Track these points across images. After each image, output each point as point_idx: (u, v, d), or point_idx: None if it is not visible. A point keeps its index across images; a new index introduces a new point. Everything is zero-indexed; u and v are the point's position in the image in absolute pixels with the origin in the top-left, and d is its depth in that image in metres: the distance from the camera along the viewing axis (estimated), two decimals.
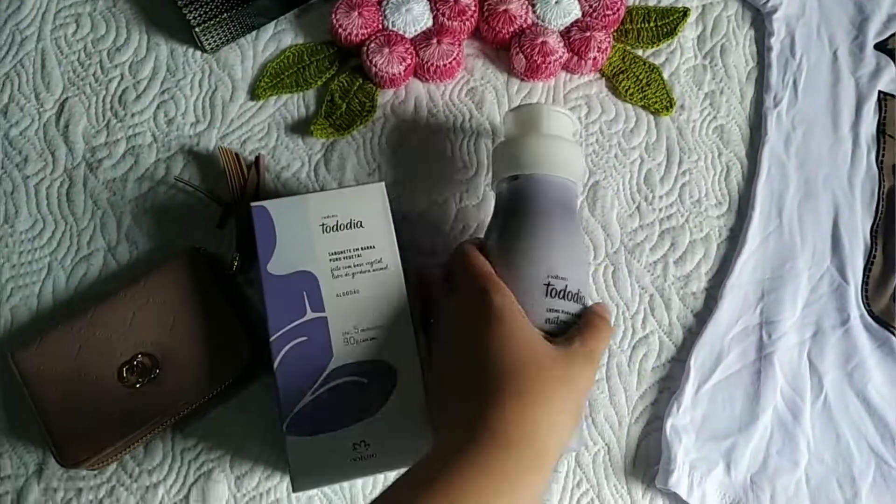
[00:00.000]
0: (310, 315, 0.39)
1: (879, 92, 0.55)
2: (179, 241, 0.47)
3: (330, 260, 0.40)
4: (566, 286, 0.39)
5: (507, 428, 0.32)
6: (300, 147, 0.50)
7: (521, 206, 0.41)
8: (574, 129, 0.45)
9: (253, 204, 0.41)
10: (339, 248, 0.40)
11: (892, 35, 0.56)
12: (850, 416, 0.47)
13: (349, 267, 0.40)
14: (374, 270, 0.40)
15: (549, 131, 0.43)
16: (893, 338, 0.48)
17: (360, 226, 0.41)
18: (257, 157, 0.48)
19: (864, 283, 0.50)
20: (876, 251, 0.51)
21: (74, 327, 0.43)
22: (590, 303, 0.41)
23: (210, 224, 0.48)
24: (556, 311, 0.38)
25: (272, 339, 0.38)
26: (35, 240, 0.48)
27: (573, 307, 0.39)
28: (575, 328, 0.38)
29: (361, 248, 0.40)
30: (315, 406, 0.38)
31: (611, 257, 0.49)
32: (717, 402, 0.47)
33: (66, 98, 0.51)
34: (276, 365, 0.38)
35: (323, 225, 0.41)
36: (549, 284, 0.39)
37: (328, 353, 0.39)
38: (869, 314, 0.49)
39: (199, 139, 0.50)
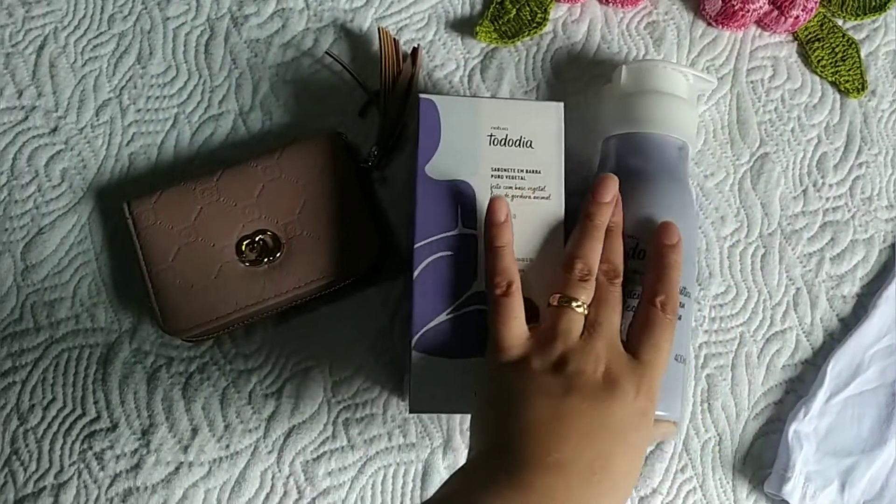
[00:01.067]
0: (460, 230, 0.36)
1: None
2: (316, 122, 0.44)
3: (492, 175, 0.36)
4: (637, 244, 0.37)
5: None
6: (458, 47, 0.46)
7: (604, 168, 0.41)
8: (688, 87, 0.42)
9: (422, 96, 0.37)
10: (504, 165, 0.36)
11: None
12: None
13: (510, 188, 0.36)
14: (535, 198, 0.37)
15: (654, 87, 0.40)
16: None
17: (530, 146, 0.37)
18: (415, 49, 0.44)
19: None
20: None
21: (198, 188, 0.40)
22: (688, 266, 0.38)
23: (351, 110, 0.44)
24: (633, 270, 0.37)
25: (417, 245, 0.35)
26: (165, 87, 0.45)
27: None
28: (632, 367, 0.34)
29: (527, 171, 0.37)
30: (448, 327, 0.35)
31: (764, 238, 0.45)
32: (845, 417, 0.44)
33: None
34: (416, 274, 0.35)
35: (491, 136, 0.37)
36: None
37: (471, 275, 0.36)
38: None
39: (353, 16, 0.46)
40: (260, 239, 0.39)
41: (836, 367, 0.44)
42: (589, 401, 0.32)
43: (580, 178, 0.44)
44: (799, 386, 0.44)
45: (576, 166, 0.43)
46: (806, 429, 0.43)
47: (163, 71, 0.45)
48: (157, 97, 0.44)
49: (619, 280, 0.35)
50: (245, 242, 0.39)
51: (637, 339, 0.34)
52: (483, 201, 0.36)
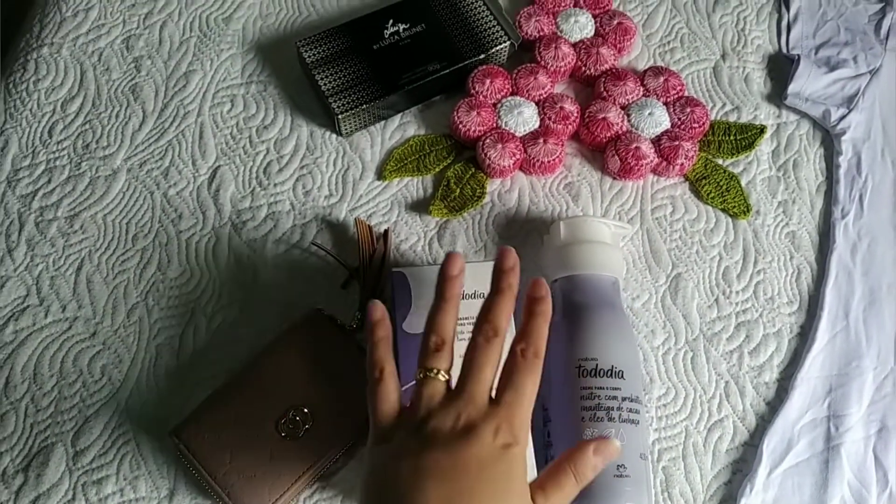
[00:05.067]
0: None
1: None
2: (307, 298, 0.53)
3: (458, 325, 0.45)
4: (597, 365, 0.46)
5: None
6: (418, 223, 0.57)
7: (555, 305, 0.48)
8: (611, 234, 0.53)
9: (394, 270, 0.47)
10: (464, 315, 0.46)
11: None
12: None
13: (467, 333, 0.45)
14: None
15: (585, 238, 0.51)
16: None
17: (482, 296, 0.46)
18: (386, 231, 0.54)
19: None
20: None
21: (227, 394, 0.47)
22: (635, 377, 0.46)
23: (335, 285, 0.54)
24: (590, 388, 0.45)
25: (403, 388, 0.44)
26: (182, 287, 0.54)
27: (608, 382, 0.45)
28: (542, 478, 0.38)
29: None
30: None
31: (690, 343, 0.54)
32: (787, 488, 0.50)
33: (219, 166, 0.58)
34: None
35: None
36: (579, 366, 0.46)
37: None
38: None
39: (331, 210, 0.57)
40: (292, 414, 0.47)
41: (770, 444, 0.51)
42: (446, 451, 0.34)
43: None
44: (743, 466, 0.51)
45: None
46: (754, 502, 0.49)
47: (179, 274, 0.55)
48: (176, 296, 0.54)
49: (498, 339, 0.38)
50: (282, 422, 0.47)
51: (501, 385, 0.37)
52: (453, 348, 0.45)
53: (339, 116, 0.56)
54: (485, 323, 0.39)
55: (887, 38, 0.68)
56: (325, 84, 0.58)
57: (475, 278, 0.47)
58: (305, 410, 0.47)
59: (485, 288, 0.46)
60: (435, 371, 0.38)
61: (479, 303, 0.46)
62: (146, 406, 0.51)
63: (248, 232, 0.56)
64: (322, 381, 0.47)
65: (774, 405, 0.53)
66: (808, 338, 0.55)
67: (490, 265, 0.47)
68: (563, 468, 0.37)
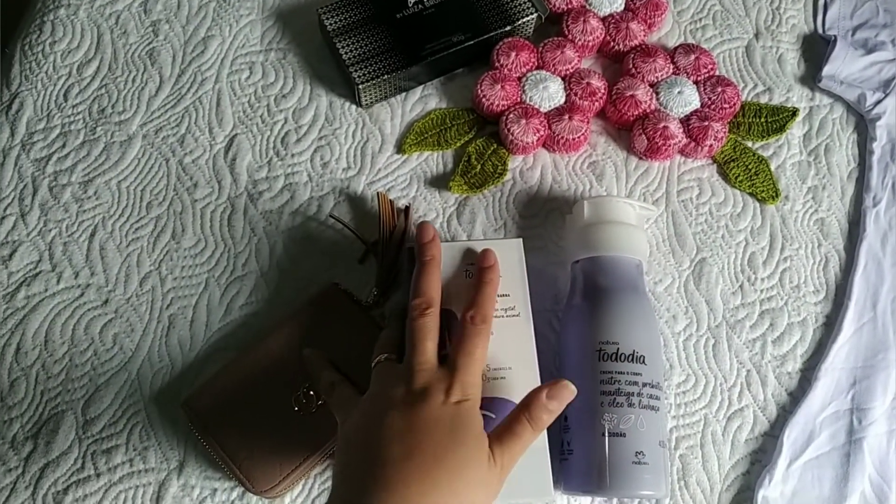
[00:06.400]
0: (447, 349, 0.43)
1: None
2: (324, 272, 0.53)
3: None
4: (618, 349, 0.44)
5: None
6: (437, 199, 0.55)
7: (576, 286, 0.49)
8: (636, 215, 0.51)
9: (408, 245, 0.46)
10: None
11: None
12: None
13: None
14: (507, 316, 0.45)
15: (610, 219, 0.49)
16: None
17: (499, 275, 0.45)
18: (407, 207, 0.53)
19: None
20: None
21: (241, 363, 0.47)
22: (656, 363, 0.46)
23: (351, 260, 0.53)
24: (610, 372, 0.44)
25: None
26: (196, 257, 0.53)
27: (629, 367, 0.44)
28: (499, 428, 0.39)
29: (498, 296, 0.45)
30: None
31: (712, 330, 0.53)
32: (806, 480, 0.49)
33: (236, 134, 0.57)
34: None
35: (467, 271, 0.45)
36: (600, 350, 0.45)
37: None
38: None
39: (349, 183, 0.56)
40: (306, 389, 0.46)
41: (791, 435, 0.50)
42: (400, 411, 0.37)
43: (551, 296, 0.52)
44: (762, 456, 0.50)
45: (544, 287, 0.52)
46: (773, 494, 0.49)
47: (194, 244, 0.54)
48: (190, 265, 0.53)
49: (431, 309, 0.42)
50: (295, 396, 0.46)
51: (453, 349, 0.41)
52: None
53: (360, 86, 0.55)
54: (416, 298, 0.42)
55: None
56: (346, 53, 0.56)
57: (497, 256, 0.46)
58: None
59: (501, 267, 0.45)
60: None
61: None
62: (157, 376, 0.50)
63: (265, 203, 0.55)
64: (337, 356, 0.47)
65: (797, 396, 0.51)
66: (834, 328, 0.53)
67: (501, 243, 0.46)
68: (517, 417, 0.39)
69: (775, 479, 0.49)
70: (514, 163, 0.57)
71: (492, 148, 0.56)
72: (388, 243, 0.51)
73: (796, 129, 0.60)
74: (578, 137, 0.56)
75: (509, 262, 0.46)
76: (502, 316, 0.45)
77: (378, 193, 0.53)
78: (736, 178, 0.57)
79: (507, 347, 0.44)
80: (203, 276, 0.53)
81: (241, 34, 0.61)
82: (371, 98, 0.57)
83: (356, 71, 0.55)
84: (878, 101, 0.61)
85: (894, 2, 0.66)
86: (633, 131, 0.57)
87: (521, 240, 0.47)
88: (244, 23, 0.61)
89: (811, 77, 0.62)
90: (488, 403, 0.42)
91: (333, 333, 0.48)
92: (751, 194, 0.57)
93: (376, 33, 0.57)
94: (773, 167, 0.58)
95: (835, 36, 0.63)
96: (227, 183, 0.56)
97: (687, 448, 0.50)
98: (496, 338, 0.44)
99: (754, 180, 0.57)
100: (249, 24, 0.61)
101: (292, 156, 0.56)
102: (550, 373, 0.48)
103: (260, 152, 0.57)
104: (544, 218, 0.55)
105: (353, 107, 0.58)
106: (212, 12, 0.62)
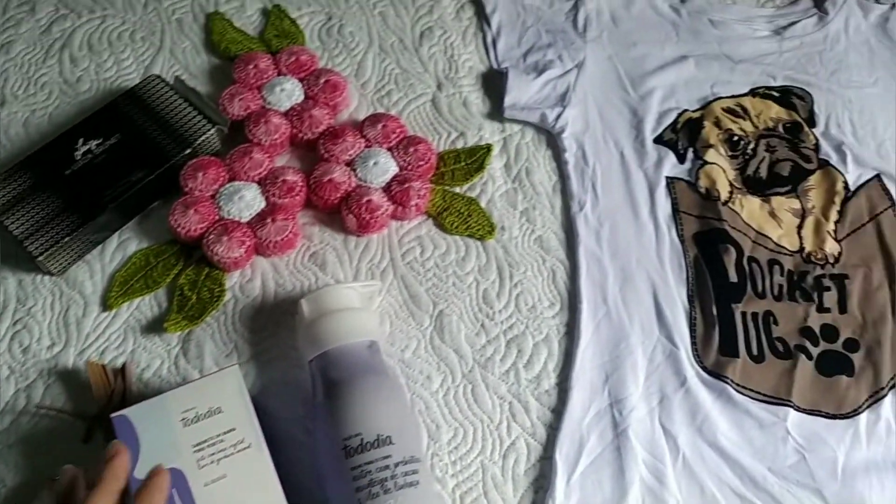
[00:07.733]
0: None
1: (666, 178, 0.64)
2: (49, 468, 0.48)
3: (194, 451, 0.42)
4: (361, 440, 0.44)
5: None
6: (158, 345, 0.53)
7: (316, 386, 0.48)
8: (359, 296, 0.52)
9: (113, 415, 0.43)
10: (202, 438, 0.43)
11: (665, 129, 0.66)
12: (708, 467, 0.52)
13: (213, 454, 0.42)
14: (237, 452, 0.43)
15: (330, 309, 0.49)
16: (728, 386, 0.54)
17: (220, 411, 0.44)
18: (123, 365, 0.50)
19: (693, 343, 0.57)
20: (695, 313, 0.58)
21: None
22: (407, 437, 0.45)
23: (77, 441, 0.49)
24: (359, 465, 0.43)
25: None
26: None
27: (377, 453, 0.43)
28: None
29: (223, 433, 0.43)
30: None
31: (467, 376, 0.54)
32: (587, 488, 0.51)
33: None
34: None
35: (183, 419, 0.43)
36: (345, 447, 0.44)
37: None
38: (703, 370, 0.55)
39: (56, 361, 0.52)
40: None
41: (562, 451, 0.52)
42: None
43: (300, 400, 0.51)
44: (543, 482, 0.51)
45: (290, 395, 0.51)
46: None
47: None
48: None
49: None
50: None
51: None
52: (193, 477, 0.42)
53: (40, 258, 0.52)
54: None
55: (585, 29, 0.72)
56: (17, 228, 0.53)
57: (207, 394, 0.44)
58: None
59: (220, 403, 0.44)
60: None
61: (217, 418, 0.43)
62: None
63: None
64: None
65: (559, 410, 0.53)
66: (574, 334, 0.56)
67: (215, 377, 0.44)
68: None
69: (557, 499, 0.50)
70: (232, 280, 0.56)
71: (204, 272, 0.55)
72: (110, 411, 0.48)
73: (496, 162, 0.63)
74: (288, 236, 0.56)
75: (228, 393, 0.45)
76: (232, 453, 0.43)
77: (87, 363, 0.50)
78: (452, 225, 0.60)
79: (246, 484, 0.42)
80: None
81: None
82: (61, 263, 0.54)
83: (31, 244, 0.52)
84: (559, 115, 0.66)
85: (553, 21, 0.73)
86: (342, 213, 0.58)
87: (235, 367, 0.46)
88: None
89: (497, 111, 0.66)
90: None
91: None
92: (469, 236, 0.60)
93: (44, 198, 0.54)
94: (483, 204, 0.61)
95: (507, 68, 0.68)
96: None
97: (472, 501, 0.50)
98: (230, 479, 0.42)
99: (469, 222, 0.60)
100: None
101: None
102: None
103: None
104: (275, 327, 0.54)
105: (46, 277, 0.55)
106: None
